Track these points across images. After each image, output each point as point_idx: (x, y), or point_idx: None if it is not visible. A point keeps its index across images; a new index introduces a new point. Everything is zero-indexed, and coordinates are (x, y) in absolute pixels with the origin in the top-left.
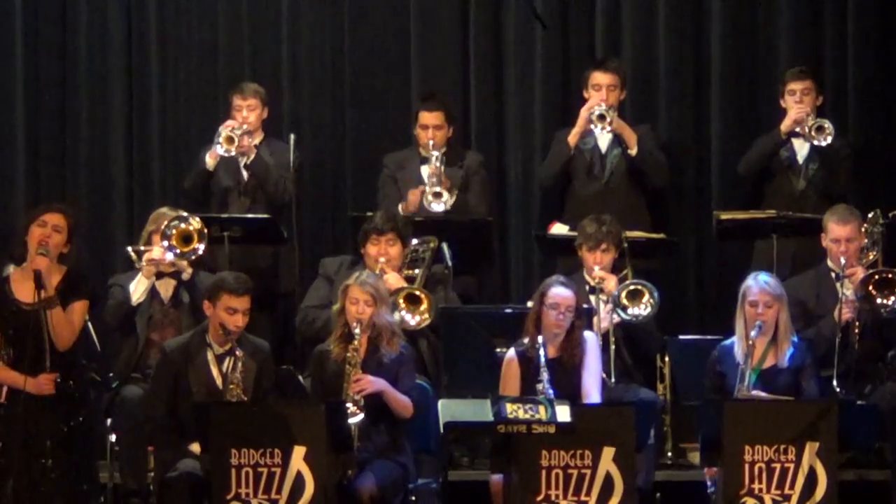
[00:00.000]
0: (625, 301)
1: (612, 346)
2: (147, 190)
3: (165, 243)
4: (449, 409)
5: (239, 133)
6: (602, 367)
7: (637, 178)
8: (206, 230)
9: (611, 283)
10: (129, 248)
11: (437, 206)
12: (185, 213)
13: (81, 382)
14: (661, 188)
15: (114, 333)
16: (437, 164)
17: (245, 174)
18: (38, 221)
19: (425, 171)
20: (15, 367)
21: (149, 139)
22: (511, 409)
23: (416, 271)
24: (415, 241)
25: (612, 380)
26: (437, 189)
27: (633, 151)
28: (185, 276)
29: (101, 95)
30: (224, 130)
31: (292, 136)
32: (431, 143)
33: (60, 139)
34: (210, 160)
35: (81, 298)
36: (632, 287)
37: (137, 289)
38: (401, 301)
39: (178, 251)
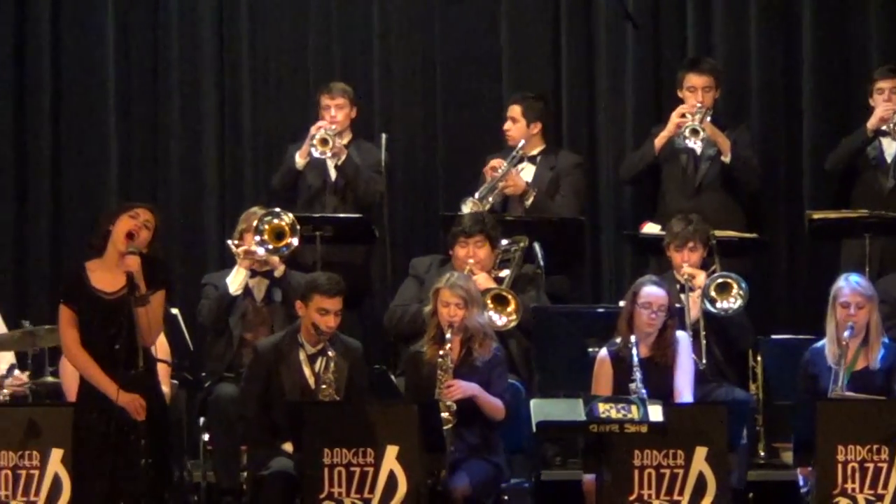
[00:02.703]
0: (714, 294)
1: (703, 333)
2: (238, 190)
3: (258, 238)
4: (541, 409)
5: (332, 134)
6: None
7: (730, 182)
8: (298, 225)
9: (700, 278)
10: (230, 241)
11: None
12: (277, 209)
13: (157, 380)
14: (754, 192)
15: (207, 333)
16: (515, 160)
17: (333, 174)
18: (130, 212)
19: (529, 171)
20: (104, 363)
21: (240, 139)
22: (603, 409)
23: (506, 272)
24: (505, 242)
25: (703, 361)
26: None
27: (727, 159)
28: (278, 273)
29: (193, 96)
30: (317, 132)
31: (384, 136)
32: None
33: (152, 141)
34: (300, 160)
35: (160, 288)
36: (720, 280)
37: (235, 279)
38: (488, 302)
39: (270, 247)
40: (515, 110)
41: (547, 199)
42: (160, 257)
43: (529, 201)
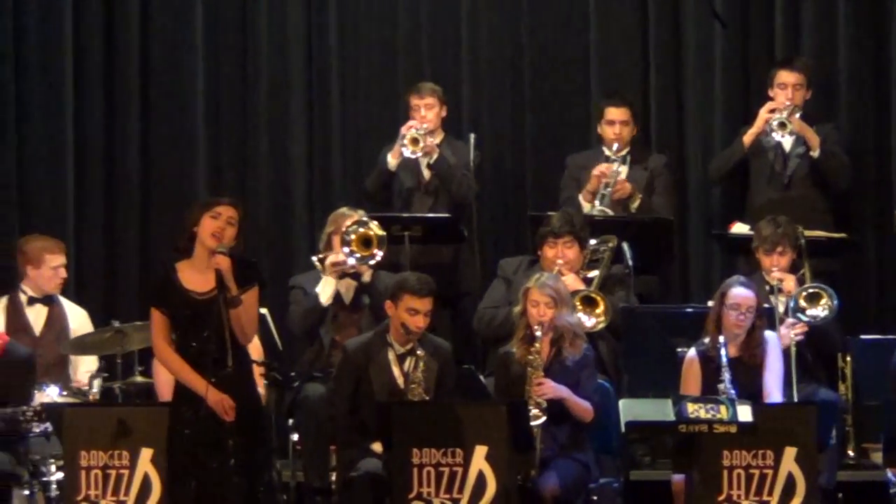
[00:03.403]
0: (803, 303)
1: (794, 351)
2: (327, 190)
3: (346, 249)
4: (630, 409)
5: (423, 133)
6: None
7: (819, 178)
8: (385, 235)
9: (789, 282)
10: (314, 258)
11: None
12: (364, 218)
13: (252, 381)
14: (843, 190)
15: (298, 340)
16: (615, 164)
17: (426, 174)
18: (211, 212)
19: (622, 173)
20: (196, 364)
21: (329, 139)
22: (692, 409)
23: (595, 272)
24: (594, 241)
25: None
26: (609, 189)
27: (816, 154)
28: (365, 278)
29: (282, 96)
30: (408, 132)
31: (472, 136)
32: (617, 142)
33: (241, 140)
34: (392, 160)
35: (252, 287)
36: (811, 290)
37: (325, 290)
38: (577, 303)
39: (357, 255)
40: (626, 113)
41: (650, 200)
42: (249, 258)
43: (636, 204)
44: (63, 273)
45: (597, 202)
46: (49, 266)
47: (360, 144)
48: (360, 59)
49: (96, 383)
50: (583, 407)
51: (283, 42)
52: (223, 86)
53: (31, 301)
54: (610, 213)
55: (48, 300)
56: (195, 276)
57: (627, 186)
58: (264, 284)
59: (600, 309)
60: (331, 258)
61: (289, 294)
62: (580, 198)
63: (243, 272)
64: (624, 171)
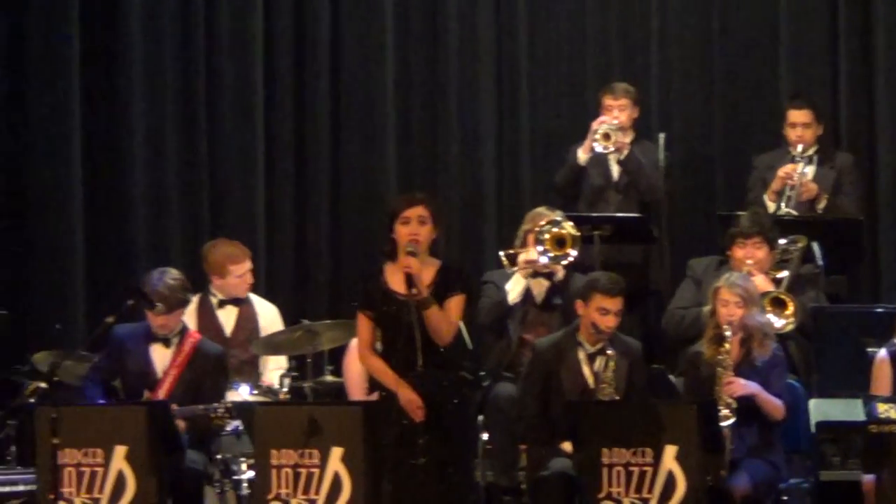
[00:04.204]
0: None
1: None
2: (516, 187)
3: (540, 248)
4: (820, 409)
5: (614, 129)
6: None
7: None
8: (579, 236)
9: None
10: (501, 253)
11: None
12: (558, 217)
13: (453, 381)
14: None
15: (486, 332)
16: (800, 165)
17: (616, 172)
18: (400, 219)
19: (809, 172)
20: (395, 364)
21: (518, 138)
22: (883, 409)
23: (785, 273)
24: (783, 241)
25: None
26: (794, 190)
27: None
28: (558, 277)
29: (471, 93)
30: (600, 126)
31: (662, 136)
32: (800, 144)
33: (431, 139)
34: (582, 155)
35: (458, 293)
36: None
37: (514, 288)
38: (766, 305)
39: (551, 255)
40: (808, 115)
41: (836, 200)
42: (458, 266)
43: (822, 205)
44: (249, 278)
45: (782, 203)
46: (234, 275)
47: (548, 143)
48: (550, 58)
49: (286, 382)
50: (774, 404)
51: (473, 42)
52: (414, 85)
53: (221, 303)
54: (794, 213)
55: (238, 301)
56: (399, 277)
57: (813, 187)
58: (473, 294)
59: (790, 310)
60: (522, 256)
61: (481, 288)
62: (766, 198)
63: (449, 279)
64: (811, 171)
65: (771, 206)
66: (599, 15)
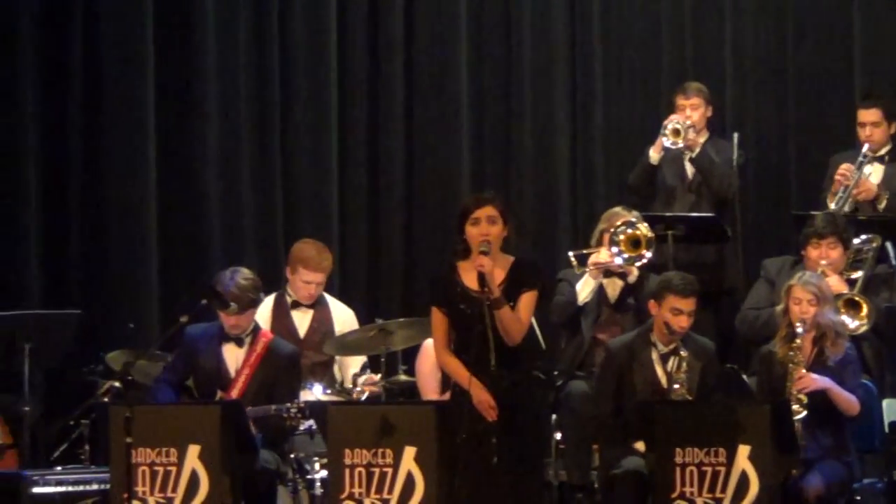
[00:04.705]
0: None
1: None
2: (590, 186)
3: (615, 248)
4: (894, 409)
5: (685, 126)
6: None
7: None
8: (654, 237)
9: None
10: (570, 253)
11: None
12: (634, 218)
13: (526, 381)
14: None
15: (558, 331)
16: (860, 164)
17: (689, 171)
18: (470, 220)
19: (867, 170)
20: (460, 358)
21: (591, 137)
22: None
23: (859, 273)
24: (857, 241)
25: None
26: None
27: None
28: (631, 278)
29: (545, 92)
30: (670, 124)
31: (736, 135)
32: (869, 143)
33: (504, 138)
34: (654, 153)
35: (530, 290)
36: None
37: (584, 289)
38: (840, 307)
39: (625, 256)
40: (876, 114)
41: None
42: (532, 261)
43: (883, 205)
44: (314, 290)
45: (838, 203)
46: (301, 279)
47: (622, 142)
48: (623, 56)
49: (360, 381)
50: (847, 398)
51: (547, 40)
52: (487, 84)
53: (295, 304)
54: (860, 214)
55: (312, 303)
56: (473, 275)
57: (871, 187)
58: (545, 290)
59: (864, 312)
60: (593, 257)
61: (556, 286)
62: (827, 199)
63: (521, 275)
64: (875, 170)
65: (831, 207)
66: (673, 13)
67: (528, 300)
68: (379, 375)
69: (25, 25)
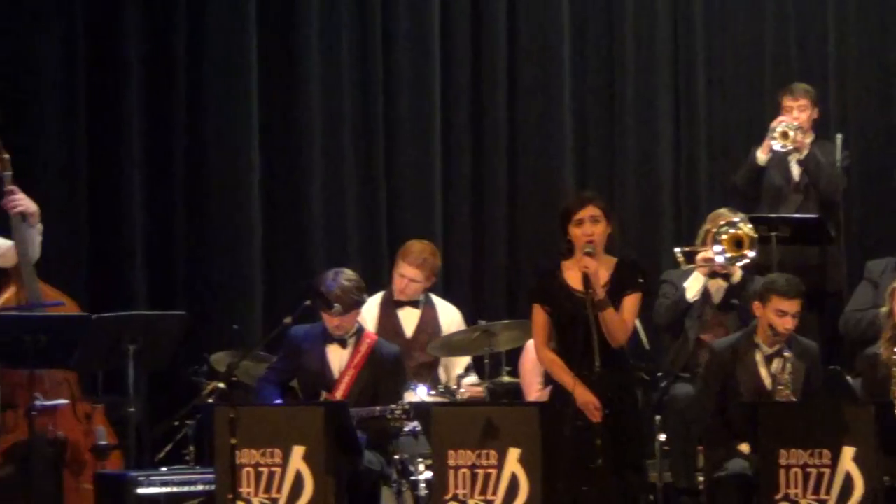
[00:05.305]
0: None
1: None
2: (693, 187)
3: (717, 248)
4: None
5: (794, 128)
6: None
7: None
8: (757, 237)
9: None
10: (676, 249)
11: None
12: (736, 219)
13: (630, 382)
14: None
15: (662, 332)
16: None
17: (796, 172)
18: (573, 221)
19: None
20: (563, 359)
21: (696, 139)
22: None
23: None
24: None
25: None
26: None
27: None
28: (735, 279)
29: (648, 91)
30: (778, 125)
31: (839, 136)
32: None
33: (608, 136)
34: (762, 155)
35: (634, 291)
36: None
37: (692, 286)
38: None
39: (728, 255)
40: None
41: None
42: (637, 263)
43: None
44: (406, 286)
45: None
46: (399, 271)
47: (726, 142)
48: (727, 56)
49: (464, 382)
50: None
51: (650, 39)
52: (590, 84)
53: (400, 303)
54: None
55: (417, 303)
56: (576, 275)
57: None
58: (649, 291)
59: None
60: (702, 254)
61: (659, 288)
62: None
63: (625, 276)
64: None
65: None
66: (777, 11)
67: (632, 302)
68: (478, 379)
69: (131, 37)
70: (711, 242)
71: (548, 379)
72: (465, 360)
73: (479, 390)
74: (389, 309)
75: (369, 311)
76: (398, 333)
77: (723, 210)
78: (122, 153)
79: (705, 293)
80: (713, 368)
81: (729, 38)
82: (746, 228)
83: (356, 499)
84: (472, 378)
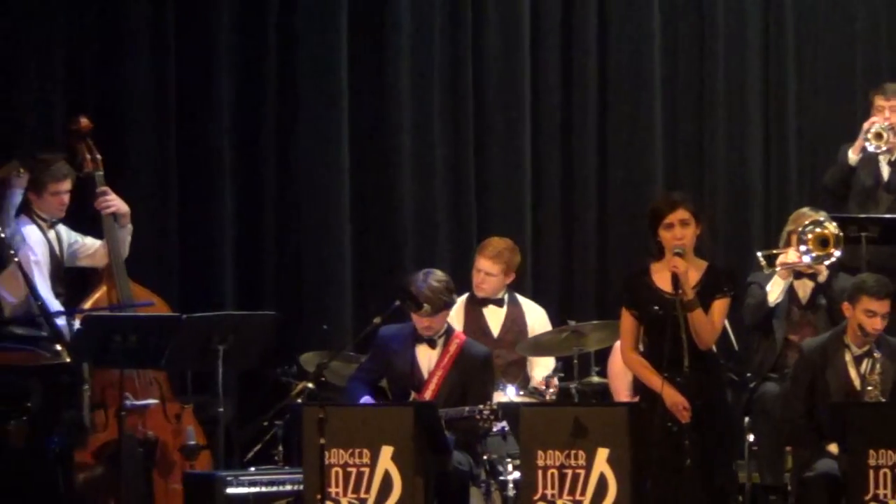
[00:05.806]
0: None
1: None
2: (783, 187)
3: (803, 248)
4: None
5: (887, 129)
6: None
7: None
8: (842, 236)
9: None
10: (759, 253)
11: None
12: (821, 218)
13: (718, 383)
14: None
15: (750, 333)
16: None
17: (886, 172)
18: (662, 225)
19: None
20: (659, 364)
21: (785, 139)
22: None
23: None
24: None
25: None
26: None
27: None
28: (821, 278)
29: (738, 91)
30: (871, 126)
31: None
32: None
33: (698, 138)
34: (853, 156)
35: (723, 296)
36: None
37: (773, 290)
38: None
39: (813, 255)
40: None
41: None
42: (727, 268)
43: None
44: (481, 280)
45: None
46: (475, 267)
47: (816, 141)
48: (817, 57)
49: (553, 383)
50: None
51: (741, 42)
52: (680, 85)
53: (485, 301)
54: None
55: (501, 301)
56: (666, 276)
57: None
58: (738, 296)
59: None
60: (781, 258)
61: (747, 289)
62: None
63: (715, 280)
64: None
65: None
66: (868, 10)
67: (721, 306)
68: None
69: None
70: (797, 243)
71: (636, 389)
72: (550, 361)
73: (554, 381)
74: (475, 307)
75: (456, 311)
76: (485, 332)
77: (804, 210)
78: (212, 153)
79: (792, 293)
80: (802, 369)
81: (819, 37)
82: (832, 227)
83: (445, 499)
84: (552, 378)
